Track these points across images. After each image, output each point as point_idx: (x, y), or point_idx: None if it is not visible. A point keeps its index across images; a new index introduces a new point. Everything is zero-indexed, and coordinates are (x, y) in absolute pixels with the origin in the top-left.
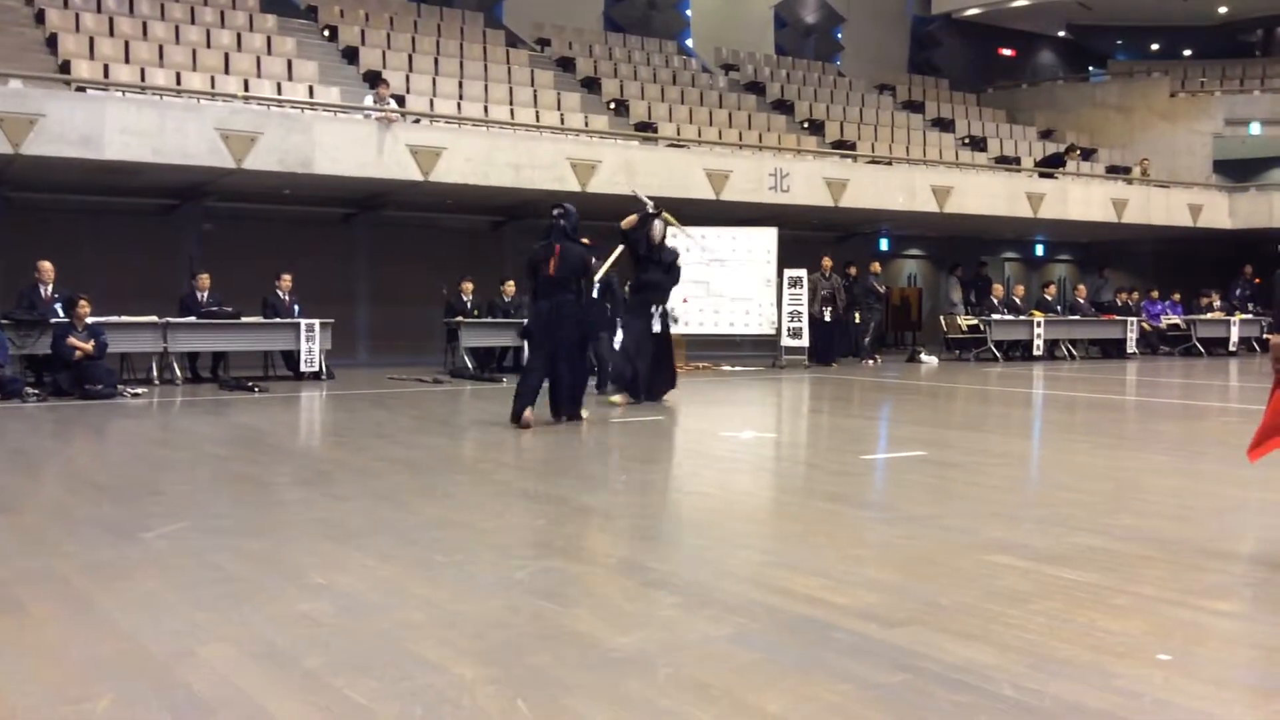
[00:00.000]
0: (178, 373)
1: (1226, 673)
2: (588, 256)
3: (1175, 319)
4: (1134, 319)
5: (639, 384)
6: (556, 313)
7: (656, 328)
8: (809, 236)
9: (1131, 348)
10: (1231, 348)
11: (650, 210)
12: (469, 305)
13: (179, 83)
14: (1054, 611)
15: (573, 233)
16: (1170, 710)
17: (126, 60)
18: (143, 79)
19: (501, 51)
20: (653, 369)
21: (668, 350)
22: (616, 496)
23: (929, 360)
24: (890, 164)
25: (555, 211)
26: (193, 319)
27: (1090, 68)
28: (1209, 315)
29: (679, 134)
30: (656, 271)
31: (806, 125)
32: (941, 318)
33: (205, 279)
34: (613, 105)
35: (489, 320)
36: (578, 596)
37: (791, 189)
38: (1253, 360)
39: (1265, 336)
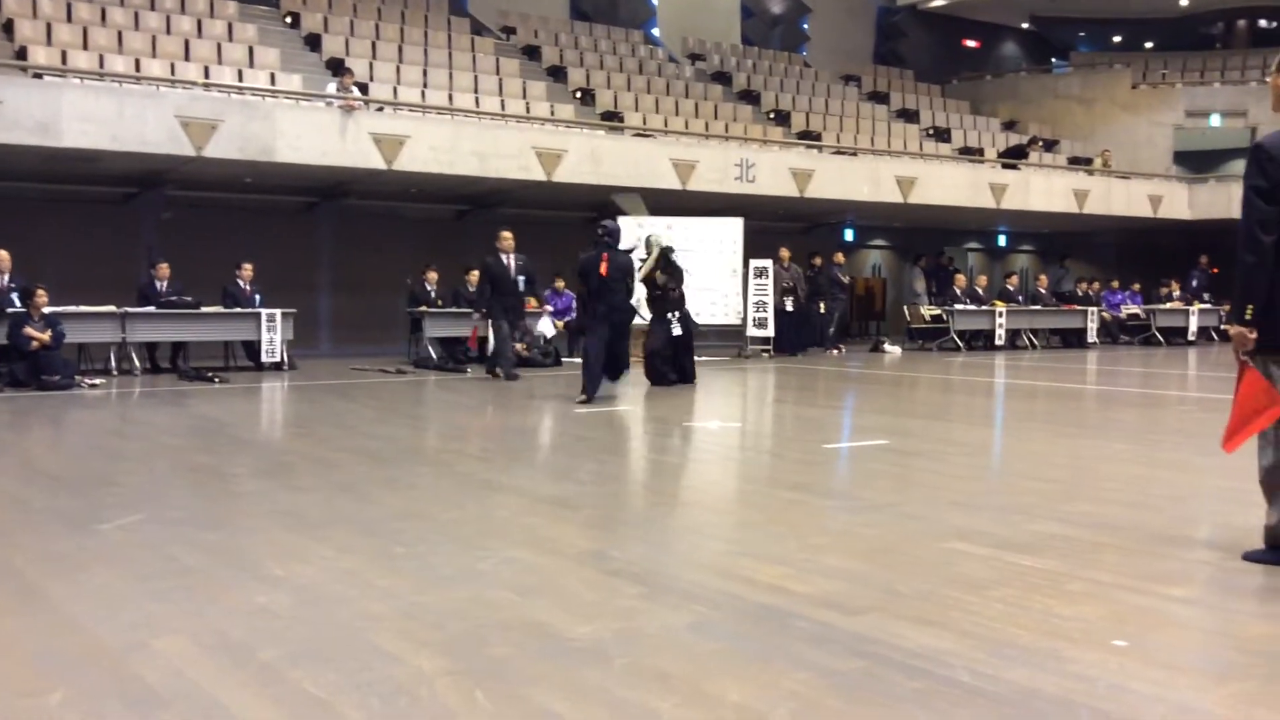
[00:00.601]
0: (136, 363)
1: (1180, 658)
2: (631, 262)
3: (1135, 309)
4: (1094, 309)
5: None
6: (610, 310)
7: (677, 330)
8: (774, 227)
9: (1092, 337)
10: (1190, 337)
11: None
12: (432, 295)
13: (138, 69)
14: (1012, 598)
15: (617, 245)
16: (1125, 695)
17: (85, 46)
18: (101, 65)
19: (466, 39)
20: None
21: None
22: (580, 487)
23: (893, 350)
24: (855, 155)
25: (600, 231)
26: (152, 309)
27: (1053, 59)
28: (1168, 305)
29: (645, 123)
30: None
31: (773, 115)
32: (905, 308)
33: (165, 268)
34: (579, 94)
35: (453, 310)
36: (539, 587)
37: (758, 179)
38: (1210, 350)
39: (1223, 327)
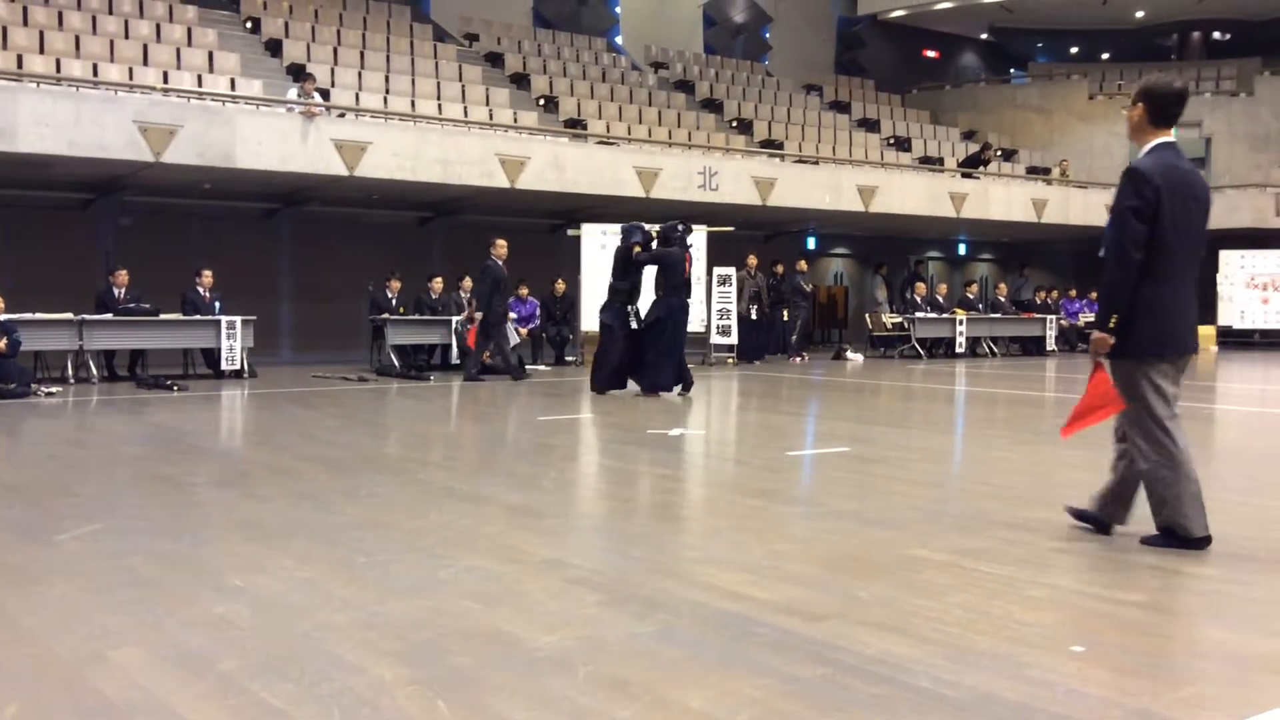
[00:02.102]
0: (94, 371)
1: (1137, 662)
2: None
3: (1092, 317)
4: (1053, 317)
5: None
6: (684, 308)
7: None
8: (737, 235)
9: (1051, 345)
10: None
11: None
12: (394, 302)
13: (96, 74)
14: (971, 604)
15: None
16: (1082, 699)
17: (41, 50)
18: (58, 70)
19: (429, 46)
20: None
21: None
22: (543, 494)
23: (855, 357)
24: (817, 163)
25: (680, 228)
26: (109, 316)
27: (1011, 70)
28: None
29: (609, 131)
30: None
31: (735, 124)
32: (867, 315)
33: (122, 275)
34: (542, 101)
35: (415, 318)
36: (501, 596)
37: (720, 187)
38: None
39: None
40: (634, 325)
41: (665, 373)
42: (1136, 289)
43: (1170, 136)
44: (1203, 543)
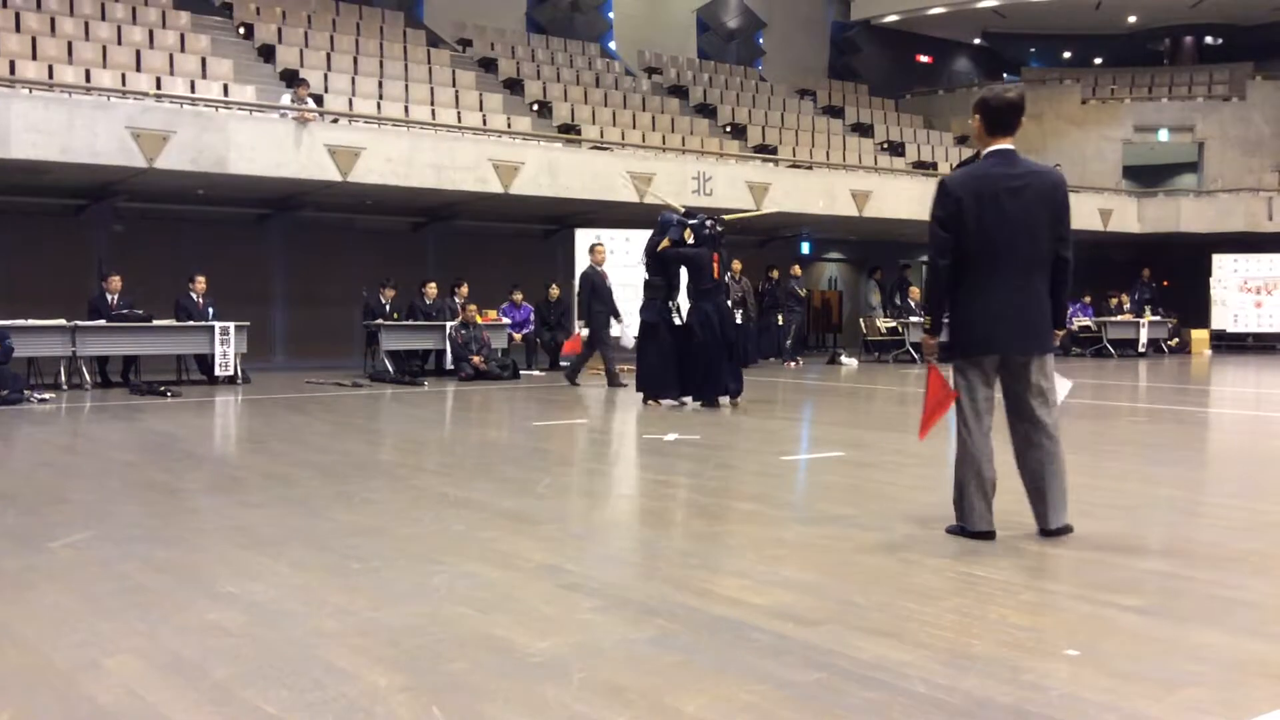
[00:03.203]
0: (87, 377)
1: (1131, 666)
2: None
3: (1086, 320)
4: None
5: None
6: (719, 312)
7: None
8: (729, 240)
9: None
10: (1141, 349)
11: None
12: (387, 307)
13: (88, 80)
14: (965, 608)
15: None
16: (1077, 704)
17: (34, 57)
18: (51, 76)
19: (422, 51)
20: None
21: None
22: (537, 500)
23: (849, 362)
24: (811, 168)
25: (710, 221)
26: (103, 322)
27: (1004, 74)
28: (1119, 317)
29: (602, 136)
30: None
31: (729, 129)
32: (861, 320)
33: (116, 281)
34: (535, 107)
35: (409, 323)
36: (495, 601)
37: (714, 192)
38: (1161, 362)
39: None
40: (677, 321)
41: (711, 384)
42: (952, 294)
43: (1007, 144)
44: (983, 536)
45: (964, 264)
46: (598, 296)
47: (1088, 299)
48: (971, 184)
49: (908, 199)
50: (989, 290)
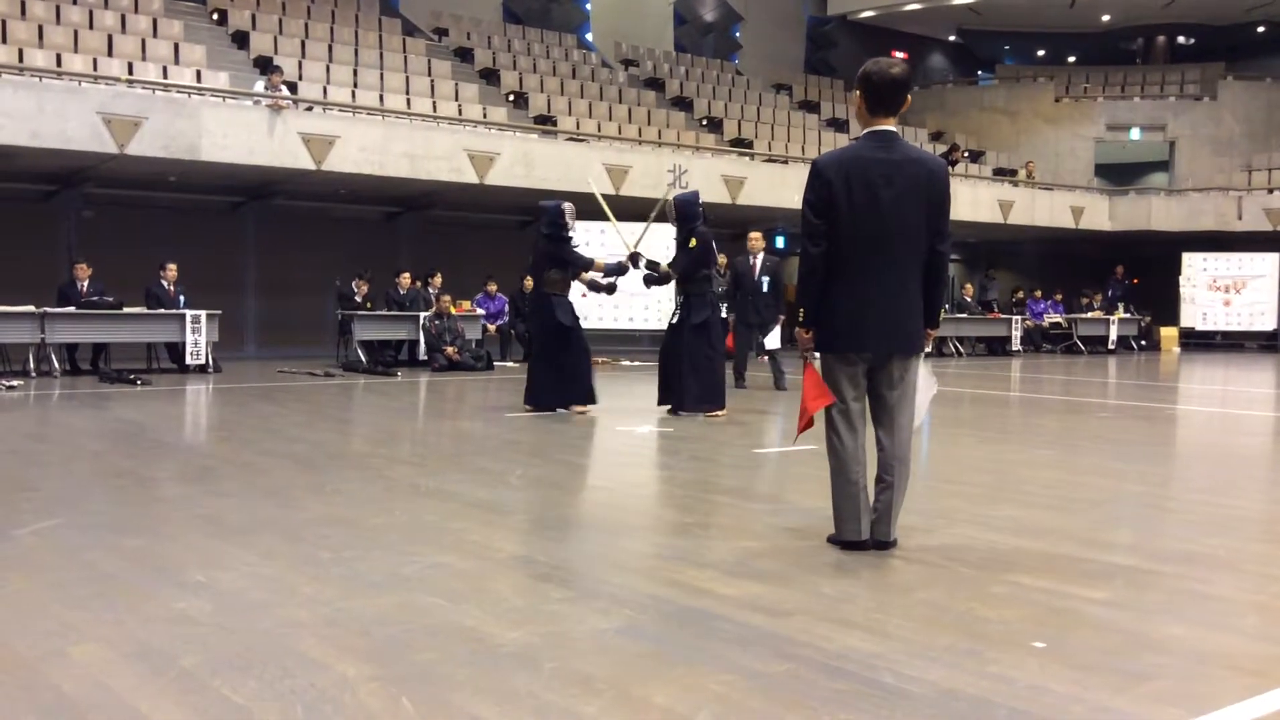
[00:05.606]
0: (55, 365)
1: (1098, 658)
2: None
3: (1057, 317)
4: (1018, 317)
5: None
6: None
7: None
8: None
9: (1016, 345)
10: (1110, 346)
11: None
12: (358, 299)
13: (59, 64)
14: (934, 600)
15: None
16: (1044, 695)
17: (3, 40)
18: (20, 60)
19: (398, 40)
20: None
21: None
22: (509, 491)
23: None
24: (786, 163)
25: (700, 204)
26: (72, 309)
27: (979, 72)
28: (1090, 314)
29: (578, 128)
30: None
31: (705, 123)
32: None
33: (85, 268)
34: (511, 97)
35: (383, 313)
36: (466, 592)
37: (690, 185)
38: (1130, 358)
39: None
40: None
41: (694, 390)
42: (824, 284)
43: (889, 125)
44: (853, 546)
45: (833, 252)
46: (740, 288)
47: (1059, 296)
48: (843, 166)
49: None
50: (855, 283)
